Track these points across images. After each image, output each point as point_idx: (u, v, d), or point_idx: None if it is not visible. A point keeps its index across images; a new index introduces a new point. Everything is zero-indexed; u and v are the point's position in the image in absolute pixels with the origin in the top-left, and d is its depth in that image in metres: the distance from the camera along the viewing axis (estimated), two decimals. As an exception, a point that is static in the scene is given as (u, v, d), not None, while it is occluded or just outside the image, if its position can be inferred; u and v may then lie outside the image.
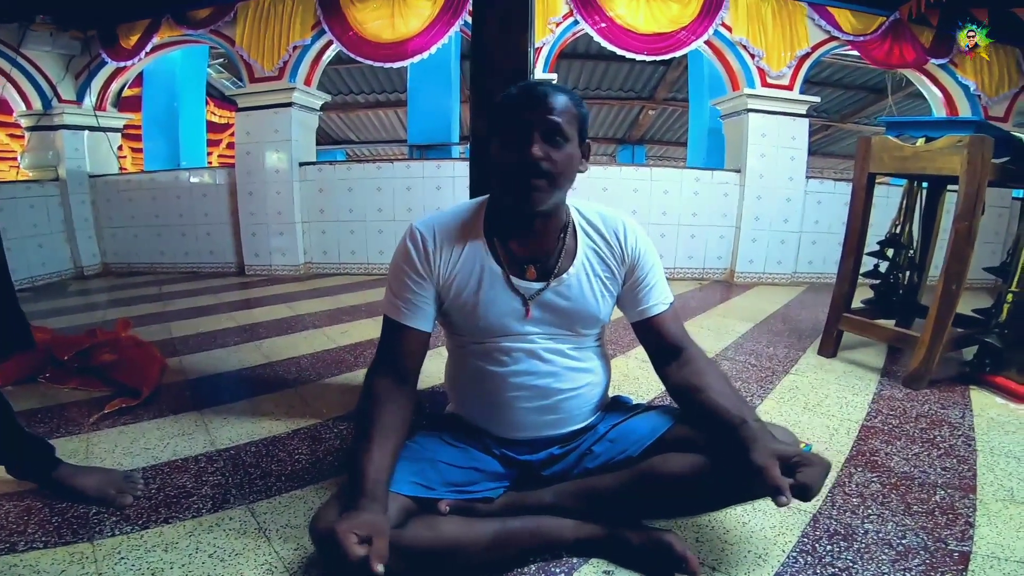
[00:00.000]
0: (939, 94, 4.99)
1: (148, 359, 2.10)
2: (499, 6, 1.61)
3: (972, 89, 4.73)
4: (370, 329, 2.85)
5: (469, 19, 4.09)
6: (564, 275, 1.05)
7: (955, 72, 4.73)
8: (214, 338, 2.73)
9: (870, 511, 1.25)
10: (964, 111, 4.82)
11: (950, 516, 1.25)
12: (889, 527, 1.19)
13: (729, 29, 4.35)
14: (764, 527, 1.19)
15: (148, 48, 4.70)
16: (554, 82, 1.11)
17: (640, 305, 1.11)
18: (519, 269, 1.04)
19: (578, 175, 1.02)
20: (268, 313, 3.30)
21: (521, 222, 1.03)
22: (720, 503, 1.06)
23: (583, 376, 1.09)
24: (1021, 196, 4.59)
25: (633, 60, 4.83)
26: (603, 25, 4.22)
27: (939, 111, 5.04)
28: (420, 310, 1.05)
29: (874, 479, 1.40)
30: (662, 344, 1.12)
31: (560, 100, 0.95)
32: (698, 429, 1.03)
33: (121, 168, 5.55)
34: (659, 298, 1.11)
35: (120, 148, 5.85)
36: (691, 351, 1.11)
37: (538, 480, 1.10)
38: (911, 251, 2.67)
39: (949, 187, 2.66)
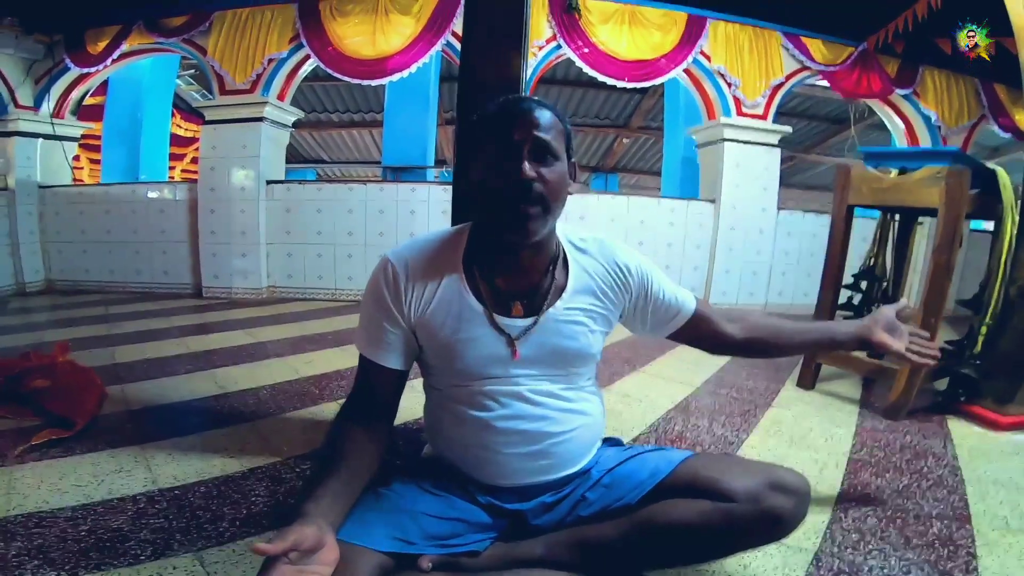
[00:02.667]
0: (901, 124, 5.22)
1: (86, 387, 1.92)
2: (489, 18, 1.54)
3: (933, 120, 4.95)
4: (337, 359, 2.70)
5: (452, 39, 4.16)
6: (553, 310, 0.96)
7: (918, 102, 4.95)
8: (162, 365, 2.53)
9: (871, 547, 1.22)
10: (924, 141, 5.04)
11: (951, 548, 1.23)
12: (893, 562, 1.16)
13: (708, 58, 4.47)
14: (767, 569, 1.12)
15: (115, 55, 4.57)
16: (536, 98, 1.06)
17: (675, 314, 1.08)
18: (504, 306, 0.95)
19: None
20: (225, 339, 3.10)
21: (509, 255, 0.94)
22: (729, 550, 0.97)
23: (576, 418, 1.00)
24: (989, 229, 4.78)
25: (611, 88, 4.90)
26: (586, 50, 4.29)
27: (901, 141, 5.26)
28: (392, 348, 0.96)
29: (870, 513, 1.38)
30: (714, 326, 1.11)
31: (546, 115, 0.88)
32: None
33: (76, 179, 5.29)
34: (684, 297, 1.09)
35: (77, 158, 5.60)
36: (735, 312, 1.16)
37: (528, 530, 1.00)
38: (885, 283, 2.69)
39: (920, 219, 2.73)
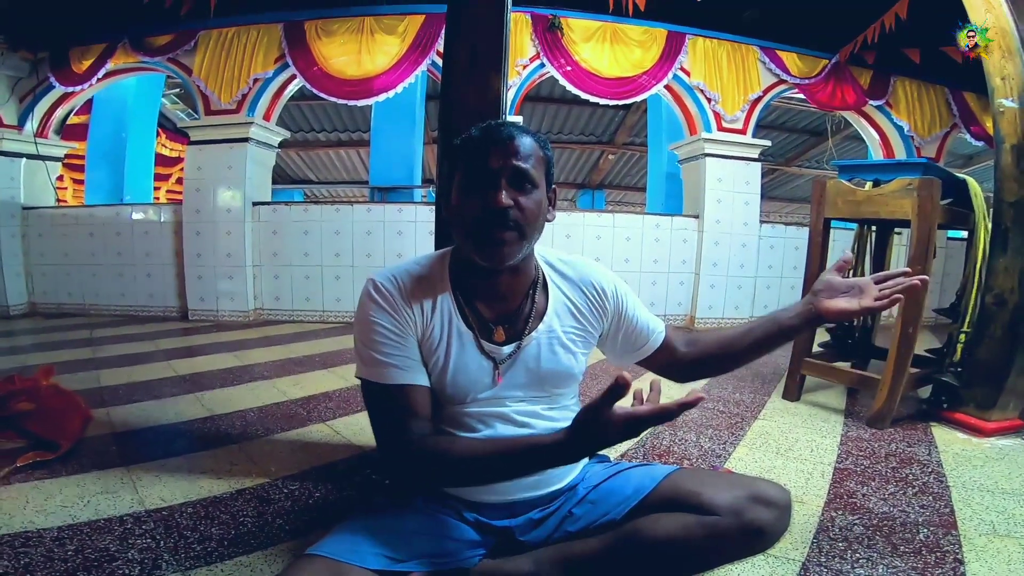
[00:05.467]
0: (876, 136, 5.34)
1: (70, 410, 1.90)
2: (471, 41, 1.57)
3: (906, 130, 5.07)
4: (324, 381, 2.70)
5: (437, 59, 4.22)
6: (534, 334, 0.97)
7: (890, 113, 5.08)
8: (148, 388, 2.50)
9: (858, 555, 1.23)
10: (899, 152, 5.16)
11: (938, 554, 1.25)
12: (880, 570, 1.17)
13: (688, 73, 4.57)
14: (755, 582, 1.13)
15: (100, 74, 4.56)
16: (519, 123, 1.05)
17: (645, 342, 1.08)
18: (487, 331, 0.96)
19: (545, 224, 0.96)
20: (212, 362, 3.08)
21: (488, 279, 0.95)
22: (713, 563, 0.98)
23: None
24: (961, 237, 4.87)
25: (595, 104, 4.98)
26: (569, 69, 4.37)
27: (876, 152, 5.38)
28: (413, 363, 0.92)
29: (856, 521, 1.39)
30: (675, 354, 1.10)
31: (526, 142, 0.89)
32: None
33: (59, 200, 5.25)
34: (656, 325, 1.09)
35: (61, 179, 5.55)
36: (690, 335, 1.12)
37: (516, 546, 1.00)
38: (864, 293, 2.73)
39: (896, 230, 2.79)
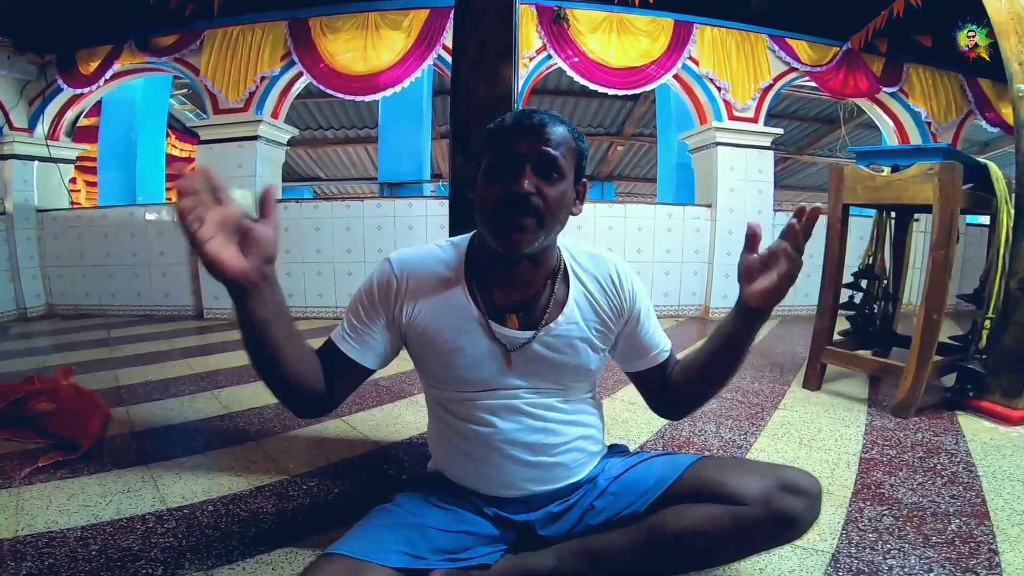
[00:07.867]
0: (891, 122, 5.24)
1: (90, 409, 1.92)
2: (480, 32, 1.55)
3: (923, 116, 4.97)
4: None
5: (443, 53, 4.20)
6: (552, 324, 0.95)
7: (906, 100, 4.98)
8: (166, 387, 2.52)
9: (889, 546, 1.21)
10: (915, 138, 5.06)
11: (971, 545, 1.22)
12: (913, 561, 1.15)
13: (696, 62, 4.51)
14: (783, 571, 1.11)
15: (108, 75, 4.58)
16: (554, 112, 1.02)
17: (647, 352, 1.03)
18: (500, 316, 0.95)
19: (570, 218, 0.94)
20: (228, 360, 3.09)
21: (506, 266, 0.93)
22: (741, 554, 0.96)
23: (575, 429, 1.00)
24: (981, 223, 4.78)
25: (603, 96, 4.93)
26: (576, 60, 4.33)
27: (891, 139, 5.29)
28: (365, 344, 0.96)
29: (885, 512, 1.37)
30: (664, 384, 1.05)
31: (558, 131, 0.87)
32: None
33: (73, 202, 5.30)
34: (662, 342, 1.04)
35: (73, 181, 5.60)
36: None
37: (536, 541, 0.99)
38: (885, 281, 2.69)
39: (916, 215, 2.74)
